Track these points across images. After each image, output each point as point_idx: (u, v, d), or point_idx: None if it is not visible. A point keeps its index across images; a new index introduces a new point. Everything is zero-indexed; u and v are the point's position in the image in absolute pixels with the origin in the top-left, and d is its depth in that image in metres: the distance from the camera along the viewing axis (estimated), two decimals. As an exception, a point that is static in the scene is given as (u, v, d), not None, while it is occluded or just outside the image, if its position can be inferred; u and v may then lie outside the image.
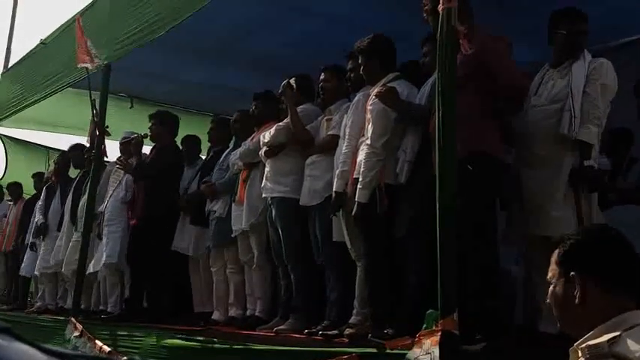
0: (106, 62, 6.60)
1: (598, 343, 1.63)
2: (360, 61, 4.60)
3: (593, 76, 3.95)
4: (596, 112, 3.87)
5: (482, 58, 3.77)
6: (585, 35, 4.08)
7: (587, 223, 3.68)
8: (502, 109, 3.97)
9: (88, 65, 6.59)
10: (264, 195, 5.23)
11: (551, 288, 1.86)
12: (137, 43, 6.32)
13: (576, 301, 1.76)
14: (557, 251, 1.87)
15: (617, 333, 1.65)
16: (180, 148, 6.85)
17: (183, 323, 5.64)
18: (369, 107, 4.37)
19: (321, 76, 5.09)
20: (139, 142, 6.83)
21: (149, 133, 6.82)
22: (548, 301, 1.88)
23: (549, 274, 1.87)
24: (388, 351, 3.55)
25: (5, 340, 0.68)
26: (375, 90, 4.34)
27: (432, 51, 4.18)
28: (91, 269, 7.02)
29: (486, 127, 3.85)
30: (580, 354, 1.68)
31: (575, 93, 3.95)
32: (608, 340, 1.62)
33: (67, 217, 7.94)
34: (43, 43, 9.17)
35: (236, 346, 4.68)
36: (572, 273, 1.78)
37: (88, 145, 7.94)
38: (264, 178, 5.24)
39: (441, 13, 3.50)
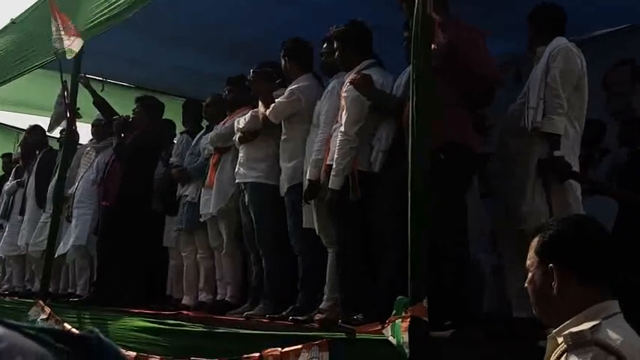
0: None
1: (581, 331, 1.65)
2: (335, 46, 4.60)
3: (552, 65, 3.97)
4: (558, 101, 3.88)
5: (456, 48, 3.79)
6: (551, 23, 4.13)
7: (560, 214, 3.73)
8: (476, 99, 4.00)
9: (76, 42, 6.48)
10: (237, 180, 5.21)
11: (529, 275, 1.88)
12: (108, 24, 6.27)
13: (554, 292, 1.78)
14: (536, 240, 1.88)
15: (597, 321, 1.68)
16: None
17: (152, 307, 5.62)
18: (343, 94, 4.37)
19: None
20: (121, 123, 6.76)
21: (132, 116, 6.77)
22: (525, 286, 1.91)
23: (528, 262, 1.89)
24: (358, 336, 3.59)
25: None
26: (350, 77, 4.34)
27: (409, 38, 4.23)
28: (61, 251, 6.96)
29: (460, 118, 3.88)
30: (561, 341, 1.70)
31: (531, 86, 4.02)
32: (590, 328, 1.65)
33: (30, 200, 7.86)
34: (13, 22, 9.02)
35: (205, 330, 4.68)
36: (550, 265, 1.80)
37: (47, 126, 7.89)
38: (237, 164, 5.22)
39: (416, 1, 3.52)
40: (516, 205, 3.95)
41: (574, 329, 1.69)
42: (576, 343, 1.65)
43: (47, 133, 8.26)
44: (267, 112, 4.91)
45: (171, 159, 6.25)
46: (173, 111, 7.27)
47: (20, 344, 0.67)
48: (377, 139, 4.24)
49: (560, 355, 1.69)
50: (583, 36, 5.70)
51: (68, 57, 6.55)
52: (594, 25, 5.80)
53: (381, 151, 4.18)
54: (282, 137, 4.93)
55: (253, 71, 5.24)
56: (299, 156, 4.79)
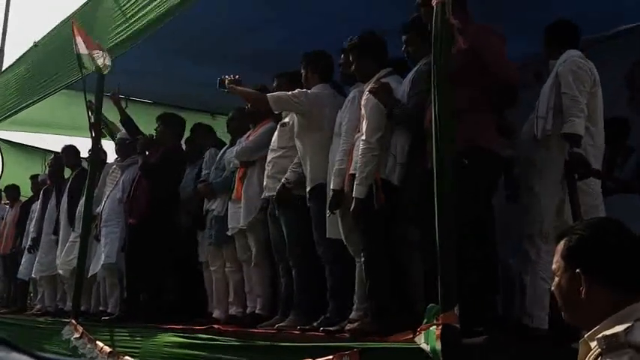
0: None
1: (615, 334, 1.62)
2: (350, 59, 4.60)
3: (562, 75, 4.04)
4: (578, 106, 3.93)
5: (476, 51, 3.78)
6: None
7: (583, 215, 3.71)
8: (498, 102, 3.98)
9: (103, 59, 6.57)
10: (266, 194, 5.22)
11: (556, 280, 1.85)
12: (128, 44, 6.34)
13: (581, 297, 1.75)
14: (562, 244, 1.85)
15: (629, 323, 1.64)
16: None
17: (183, 323, 5.63)
18: (362, 103, 4.38)
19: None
20: (145, 142, 6.82)
21: (155, 135, 6.82)
22: (552, 289, 1.88)
23: (554, 266, 1.87)
24: (389, 345, 3.57)
25: (3, 351, 0.67)
26: (369, 86, 4.34)
27: (412, 40, 4.27)
28: (92, 271, 7.02)
29: (483, 121, 3.85)
30: (594, 345, 1.67)
31: (542, 97, 4.14)
32: (624, 330, 1.62)
33: (63, 220, 7.93)
34: (35, 45, 9.15)
35: (237, 343, 4.68)
36: (577, 270, 1.77)
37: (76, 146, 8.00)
38: (265, 177, 5.24)
39: (435, 6, 3.50)
40: (537, 208, 3.97)
41: (607, 332, 1.66)
42: (610, 346, 1.62)
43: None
44: (270, 94, 4.99)
45: (203, 172, 6.26)
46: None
47: None
48: (390, 153, 4.21)
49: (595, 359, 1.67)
50: (606, 32, 5.65)
51: (104, 73, 6.62)
52: (617, 22, 5.74)
53: (398, 163, 4.16)
54: (299, 148, 4.99)
55: (276, 76, 5.26)
56: (314, 161, 4.83)
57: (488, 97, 3.88)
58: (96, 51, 6.63)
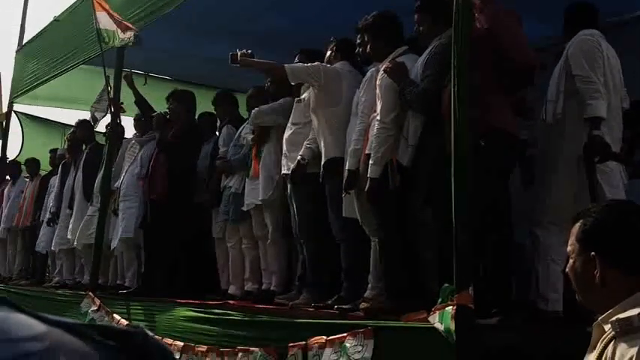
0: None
1: (629, 317, 1.62)
2: (365, 39, 4.58)
3: (572, 58, 3.99)
4: (593, 87, 3.87)
5: (493, 32, 3.75)
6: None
7: (601, 198, 3.69)
8: (513, 84, 3.94)
9: (130, 34, 6.58)
10: (283, 171, 5.23)
11: (570, 262, 1.84)
12: (150, 18, 6.34)
13: (596, 280, 1.74)
14: (577, 226, 1.83)
15: None
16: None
17: (199, 298, 5.68)
18: (377, 83, 4.36)
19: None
20: (160, 119, 6.86)
21: (168, 112, 6.85)
22: (567, 271, 1.88)
23: (569, 248, 1.86)
24: (403, 324, 3.59)
25: (1, 310, 0.68)
26: (384, 65, 4.32)
27: (423, 19, 4.23)
28: (110, 245, 7.09)
29: (498, 103, 3.83)
30: (608, 328, 1.66)
31: (552, 80, 4.10)
32: (639, 314, 1.61)
33: (78, 194, 8.00)
34: (56, 20, 9.19)
35: (251, 319, 4.73)
36: (592, 253, 1.76)
37: (91, 120, 8.03)
38: (282, 155, 5.25)
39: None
40: (554, 190, 3.96)
41: (621, 315, 1.65)
42: (625, 329, 1.61)
43: (94, 129, 8.40)
44: (288, 65, 4.99)
45: (220, 150, 6.28)
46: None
47: (63, 342, 0.66)
48: (403, 136, 4.18)
49: (608, 343, 1.66)
50: (628, 16, 5.58)
51: (131, 46, 6.63)
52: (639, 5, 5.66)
53: (410, 145, 4.14)
54: (314, 123, 4.99)
55: (298, 52, 5.29)
56: (330, 136, 4.83)
57: (504, 79, 3.85)
58: (120, 27, 6.64)
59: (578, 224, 1.84)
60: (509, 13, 3.88)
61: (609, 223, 1.80)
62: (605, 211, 1.85)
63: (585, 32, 4.06)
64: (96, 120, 7.95)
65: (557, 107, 4.00)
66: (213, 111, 6.89)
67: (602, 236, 1.78)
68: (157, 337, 0.74)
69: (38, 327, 0.67)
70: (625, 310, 1.66)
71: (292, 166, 5.02)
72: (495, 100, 3.79)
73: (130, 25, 6.59)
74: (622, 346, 1.60)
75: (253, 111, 5.70)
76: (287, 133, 5.24)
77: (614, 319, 1.65)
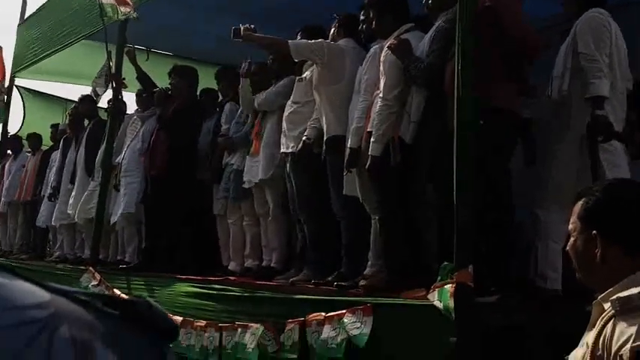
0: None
1: (629, 296, 1.61)
2: (371, 15, 4.55)
3: (580, 35, 3.96)
4: (597, 65, 3.85)
5: (494, 10, 3.72)
6: None
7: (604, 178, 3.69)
8: (514, 63, 3.91)
9: (130, 10, 6.54)
10: (282, 150, 5.23)
11: (571, 240, 1.84)
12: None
13: (597, 259, 1.74)
14: (579, 204, 1.83)
15: None
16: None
17: (200, 273, 5.70)
18: (381, 60, 4.34)
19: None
20: (161, 95, 6.85)
21: (170, 87, 6.83)
22: (567, 249, 1.88)
23: (570, 226, 1.85)
24: (402, 301, 3.61)
25: (5, 278, 0.68)
26: (389, 42, 4.30)
27: None
28: (112, 220, 7.10)
29: (499, 81, 3.81)
30: (608, 306, 1.66)
31: (558, 57, 4.08)
32: (639, 292, 1.61)
33: (79, 169, 8.00)
34: (58, -7, 9.14)
35: (251, 295, 4.75)
36: (593, 232, 1.76)
37: (92, 95, 8.01)
38: (281, 134, 5.25)
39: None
40: (555, 169, 3.97)
41: (621, 294, 1.65)
42: (624, 308, 1.61)
43: (97, 104, 8.39)
44: (291, 41, 4.97)
45: (222, 127, 6.27)
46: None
47: (67, 310, 0.66)
48: (406, 111, 4.17)
49: (608, 321, 1.66)
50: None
51: (133, 20, 6.59)
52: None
53: (412, 122, 4.13)
54: (317, 101, 4.98)
55: (299, 30, 5.28)
56: (332, 113, 4.82)
57: (504, 57, 3.82)
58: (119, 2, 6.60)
59: (580, 202, 1.84)
60: None
61: (611, 202, 1.79)
62: (607, 189, 1.85)
63: (594, 10, 4.03)
64: (97, 94, 7.93)
65: (564, 84, 3.99)
66: (214, 87, 6.87)
67: (604, 214, 1.78)
68: (160, 307, 0.74)
69: (42, 294, 0.67)
70: (625, 289, 1.66)
71: (297, 145, 5.01)
72: (496, 77, 3.77)
73: (128, 1, 6.55)
74: (621, 325, 1.60)
75: (257, 97, 5.68)
76: (287, 112, 5.23)
77: (614, 297, 1.65)
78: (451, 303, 3.15)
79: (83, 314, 0.67)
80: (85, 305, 0.69)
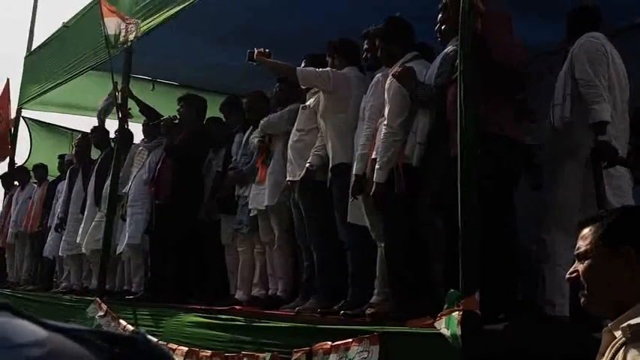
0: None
1: None
2: (377, 44, 4.58)
3: (576, 61, 3.97)
4: (596, 91, 3.85)
5: (482, 34, 3.72)
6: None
7: (612, 198, 3.69)
8: (506, 87, 3.88)
9: (133, 33, 6.62)
10: (288, 178, 5.23)
11: (586, 263, 1.78)
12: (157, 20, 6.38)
13: (623, 275, 1.70)
14: (592, 228, 1.79)
15: None
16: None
17: (206, 303, 5.68)
18: (386, 87, 4.36)
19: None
20: (168, 123, 6.87)
21: (178, 116, 6.86)
22: (580, 274, 1.83)
23: (582, 249, 1.80)
24: (409, 330, 3.58)
25: (5, 317, 0.68)
26: (393, 70, 4.32)
27: (447, 19, 4.13)
28: (117, 250, 7.09)
29: (496, 105, 3.76)
30: (619, 334, 1.62)
31: (558, 84, 4.08)
32: None
33: (90, 199, 8.01)
34: (65, 26, 9.23)
35: (258, 324, 4.72)
36: (625, 246, 1.71)
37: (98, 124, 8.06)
38: (287, 162, 5.25)
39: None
40: (558, 196, 3.95)
41: (632, 322, 1.62)
42: (635, 335, 1.58)
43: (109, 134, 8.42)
44: (299, 68, 5.02)
45: (232, 159, 6.26)
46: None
47: (63, 348, 0.66)
48: (412, 132, 4.18)
49: (619, 349, 1.63)
50: (634, 20, 5.55)
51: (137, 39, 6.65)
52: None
53: (418, 143, 4.13)
54: (322, 129, 5.00)
55: (304, 57, 5.32)
56: (338, 142, 4.83)
57: (498, 82, 3.80)
58: (127, 25, 6.67)
59: (592, 226, 1.80)
60: (498, 14, 3.85)
61: (635, 218, 1.79)
62: (623, 210, 1.86)
63: (589, 35, 4.04)
64: (100, 118, 7.97)
65: (565, 111, 3.98)
66: (219, 116, 6.89)
67: (633, 229, 1.75)
68: (159, 342, 0.73)
69: (39, 332, 0.66)
70: (636, 316, 1.64)
71: (301, 174, 5.02)
72: (493, 102, 3.75)
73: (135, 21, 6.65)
74: (632, 352, 1.57)
75: (262, 121, 5.70)
76: (291, 140, 5.25)
77: (625, 325, 1.62)
78: (458, 331, 3.12)
79: (80, 351, 0.67)
80: (83, 342, 0.68)
